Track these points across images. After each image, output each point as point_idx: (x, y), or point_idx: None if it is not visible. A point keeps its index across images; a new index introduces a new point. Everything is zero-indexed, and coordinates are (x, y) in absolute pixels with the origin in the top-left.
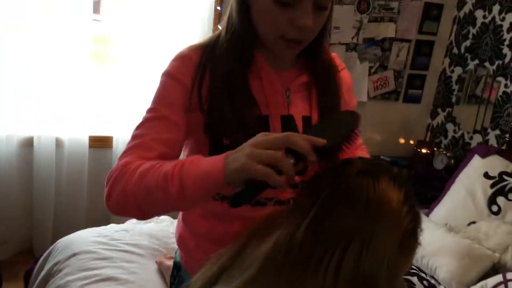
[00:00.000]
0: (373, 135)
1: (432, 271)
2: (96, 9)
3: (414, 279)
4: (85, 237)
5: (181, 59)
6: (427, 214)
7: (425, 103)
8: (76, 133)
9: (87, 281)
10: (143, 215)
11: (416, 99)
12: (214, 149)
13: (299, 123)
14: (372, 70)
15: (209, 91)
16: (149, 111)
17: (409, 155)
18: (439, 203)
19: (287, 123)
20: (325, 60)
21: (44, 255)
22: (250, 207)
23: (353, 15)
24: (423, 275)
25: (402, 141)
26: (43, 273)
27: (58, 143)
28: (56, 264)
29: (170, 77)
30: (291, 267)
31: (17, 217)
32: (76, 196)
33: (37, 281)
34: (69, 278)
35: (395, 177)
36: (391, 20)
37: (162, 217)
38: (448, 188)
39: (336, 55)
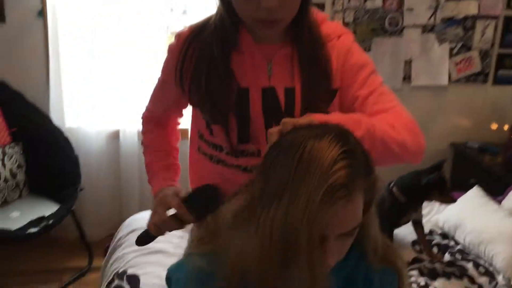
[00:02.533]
0: (458, 121)
1: (489, 258)
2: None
3: (469, 265)
4: (147, 216)
5: (176, 38)
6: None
7: None
8: None
9: (139, 253)
10: None
11: (509, 80)
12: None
13: (281, 95)
14: (454, 51)
15: (191, 70)
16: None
17: (503, 141)
18: None
19: (268, 95)
20: (312, 33)
21: (116, 232)
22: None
23: None
24: (481, 262)
25: (494, 126)
26: (111, 247)
27: (140, 136)
28: (119, 239)
29: (168, 51)
30: (245, 220)
31: (109, 202)
32: None
33: (107, 254)
34: (125, 251)
35: (340, 136)
36: None
37: None
38: None
39: (339, 24)
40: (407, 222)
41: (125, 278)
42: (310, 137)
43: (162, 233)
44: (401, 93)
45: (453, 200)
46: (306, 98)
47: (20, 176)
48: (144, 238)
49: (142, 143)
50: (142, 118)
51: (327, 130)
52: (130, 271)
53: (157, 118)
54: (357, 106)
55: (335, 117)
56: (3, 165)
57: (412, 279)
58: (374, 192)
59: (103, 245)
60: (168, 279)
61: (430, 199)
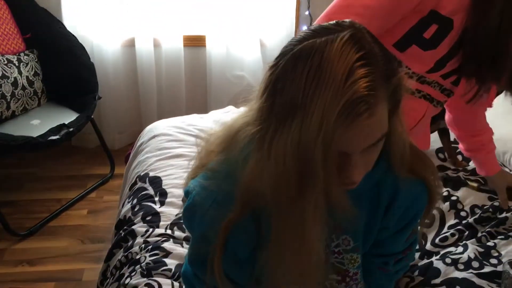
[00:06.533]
0: None
1: None
2: None
3: None
4: (167, 123)
5: None
6: None
7: None
8: (171, 33)
9: (160, 157)
10: None
11: None
12: None
13: None
14: None
15: None
16: None
17: None
18: None
19: None
20: None
21: (137, 139)
22: None
23: None
24: (507, 169)
25: None
26: (132, 152)
27: (156, 43)
28: (140, 145)
29: None
30: (256, 140)
31: (127, 111)
32: (176, 90)
33: (129, 160)
34: (148, 155)
35: (353, 38)
36: None
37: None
38: None
39: None
40: (435, 130)
41: (147, 180)
42: (319, 44)
43: None
44: None
45: None
46: None
47: (37, 84)
48: None
49: None
50: None
51: (338, 31)
52: (152, 174)
53: None
54: None
55: None
56: (20, 72)
57: None
58: (399, 95)
59: (123, 154)
60: (187, 191)
61: None
